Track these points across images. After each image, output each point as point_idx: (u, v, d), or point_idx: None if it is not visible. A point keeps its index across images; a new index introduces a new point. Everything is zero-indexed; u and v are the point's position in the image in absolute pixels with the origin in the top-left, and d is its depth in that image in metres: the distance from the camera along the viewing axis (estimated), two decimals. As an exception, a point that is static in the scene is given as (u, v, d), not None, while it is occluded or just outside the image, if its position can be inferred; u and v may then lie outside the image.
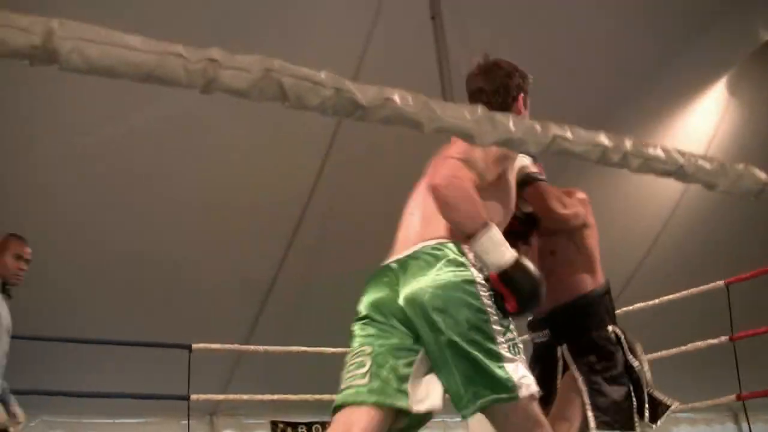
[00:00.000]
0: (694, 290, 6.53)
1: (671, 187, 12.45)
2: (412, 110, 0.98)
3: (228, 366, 10.73)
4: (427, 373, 2.73)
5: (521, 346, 2.71)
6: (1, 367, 5.32)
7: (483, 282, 2.67)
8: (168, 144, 8.71)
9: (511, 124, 0.96)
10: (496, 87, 3.10)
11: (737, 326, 6.12)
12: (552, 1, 8.90)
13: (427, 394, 2.72)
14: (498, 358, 2.59)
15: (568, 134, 0.99)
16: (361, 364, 2.74)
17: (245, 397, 8.08)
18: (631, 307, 6.88)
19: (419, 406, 2.71)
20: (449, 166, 2.68)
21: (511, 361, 2.61)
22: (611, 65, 9.68)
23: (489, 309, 2.64)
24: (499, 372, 2.58)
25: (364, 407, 2.66)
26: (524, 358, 2.70)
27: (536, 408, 2.68)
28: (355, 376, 2.74)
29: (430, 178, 2.79)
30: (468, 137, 0.97)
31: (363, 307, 2.95)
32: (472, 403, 2.63)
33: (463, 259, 2.70)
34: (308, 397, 7.17)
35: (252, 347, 8.27)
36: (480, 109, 0.99)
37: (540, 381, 2.83)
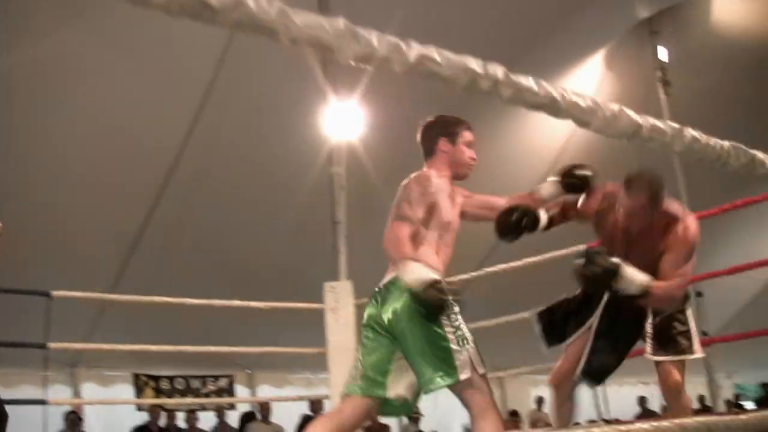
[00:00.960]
0: (557, 252, 6.59)
1: (549, 145, 12.67)
2: (267, 17, 0.89)
3: (91, 317, 10.49)
4: (404, 368, 3.69)
5: (469, 337, 3.57)
6: None
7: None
8: (40, 90, 8.43)
9: (374, 39, 0.88)
10: (421, 140, 4.08)
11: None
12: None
13: (400, 383, 3.72)
14: (449, 351, 3.54)
15: (436, 56, 0.91)
16: (357, 365, 3.75)
17: (106, 347, 7.85)
18: (496, 268, 6.92)
19: (391, 393, 3.72)
20: (395, 227, 3.71)
21: (458, 351, 3.52)
22: (487, 36, 9.74)
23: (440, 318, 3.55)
24: (449, 360, 3.53)
25: (355, 396, 3.69)
26: (473, 347, 3.57)
27: (482, 387, 3.56)
28: (353, 375, 3.74)
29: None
30: (327, 50, 0.89)
31: (365, 319, 3.89)
32: (432, 387, 3.56)
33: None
34: (170, 348, 7.00)
35: (114, 296, 8.02)
36: (342, 22, 0.91)
37: None
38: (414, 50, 0.89)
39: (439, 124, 4.03)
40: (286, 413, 12.51)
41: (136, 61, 8.80)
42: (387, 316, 3.68)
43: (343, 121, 7.83)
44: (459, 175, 4.00)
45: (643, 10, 11.31)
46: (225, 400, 13.49)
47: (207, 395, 13.52)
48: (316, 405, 11.91)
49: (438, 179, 3.86)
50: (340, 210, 7.22)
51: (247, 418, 12.50)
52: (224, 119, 9.55)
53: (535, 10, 9.61)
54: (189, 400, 13.04)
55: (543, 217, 4.13)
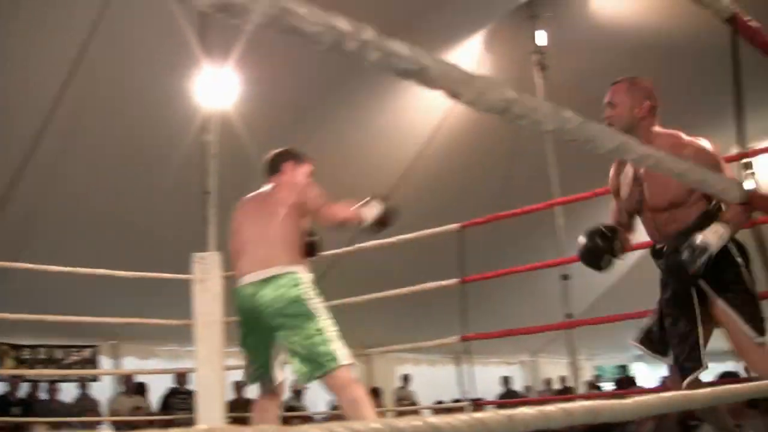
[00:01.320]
0: (430, 231, 6.59)
1: (419, 129, 12.72)
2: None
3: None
4: (282, 357, 4.42)
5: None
6: None
7: (310, 295, 4.30)
8: None
9: (233, -14, 0.80)
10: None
11: (468, 269, 6.26)
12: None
13: (280, 369, 4.48)
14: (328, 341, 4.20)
15: (300, 10, 0.84)
16: (247, 358, 4.49)
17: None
18: (367, 244, 6.90)
19: (278, 378, 4.51)
20: (335, 208, 4.50)
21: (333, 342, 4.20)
22: (359, 12, 9.66)
23: (316, 315, 4.24)
24: (323, 350, 4.18)
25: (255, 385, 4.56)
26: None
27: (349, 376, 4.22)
28: (247, 367, 4.52)
29: (330, 219, 4.51)
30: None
31: (238, 314, 4.50)
32: (309, 377, 4.26)
33: (299, 282, 4.33)
34: (30, 317, 6.74)
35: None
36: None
37: None
38: (277, 1, 0.82)
39: (288, 152, 4.88)
40: (152, 385, 12.34)
41: (6, 18, 8.47)
42: (265, 309, 4.31)
43: (217, 88, 7.65)
44: None
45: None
46: (88, 371, 13.17)
47: (70, 366, 13.18)
48: (181, 378, 11.76)
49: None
50: (210, 180, 7.07)
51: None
52: (97, 82, 9.28)
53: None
54: (50, 371, 12.68)
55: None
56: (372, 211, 4.61)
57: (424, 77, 0.99)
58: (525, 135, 12.43)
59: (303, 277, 4.35)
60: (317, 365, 4.17)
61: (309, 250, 4.69)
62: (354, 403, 4.12)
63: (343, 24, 0.88)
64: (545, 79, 11.73)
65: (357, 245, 7.38)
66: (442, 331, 6.82)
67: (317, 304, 4.27)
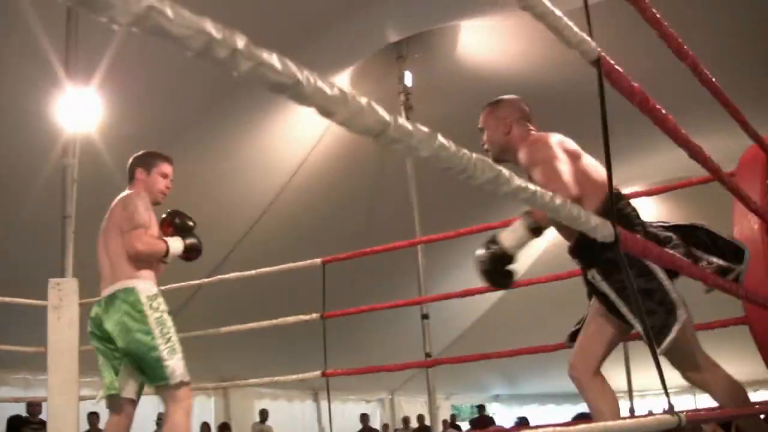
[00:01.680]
0: (292, 265, 6.54)
1: (285, 162, 12.68)
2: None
3: None
4: (130, 372, 4.56)
5: (178, 347, 4.43)
6: None
7: (151, 314, 4.43)
8: None
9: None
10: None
11: (329, 305, 6.22)
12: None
13: (129, 385, 4.59)
14: (160, 359, 4.36)
15: (168, 11, 0.78)
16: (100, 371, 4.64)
17: None
18: (228, 276, 6.79)
19: (126, 394, 4.61)
20: (135, 236, 4.56)
21: (170, 359, 4.36)
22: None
23: (154, 330, 4.39)
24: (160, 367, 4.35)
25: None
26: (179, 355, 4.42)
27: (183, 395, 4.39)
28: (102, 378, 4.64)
29: (127, 248, 4.59)
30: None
31: (89, 327, 4.70)
32: (152, 387, 4.45)
33: (140, 301, 4.47)
34: None
35: None
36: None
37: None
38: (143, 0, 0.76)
39: (139, 157, 4.98)
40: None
41: None
42: (109, 326, 4.49)
43: (79, 110, 7.41)
44: (154, 200, 4.84)
45: (392, 34, 11.53)
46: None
47: None
48: (33, 407, 11.37)
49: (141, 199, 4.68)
50: (70, 204, 6.82)
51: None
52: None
53: (282, 25, 9.57)
54: None
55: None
56: (176, 244, 4.75)
57: (298, 92, 0.94)
58: (389, 173, 12.52)
59: (141, 290, 4.51)
60: (152, 377, 4.43)
61: (187, 253, 4.86)
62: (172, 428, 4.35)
63: (213, 29, 0.83)
64: (410, 120, 11.83)
65: (218, 276, 7.24)
66: (302, 365, 6.74)
67: (157, 318, 4.44)
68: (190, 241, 4.79)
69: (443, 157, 1.23)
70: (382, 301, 6.83)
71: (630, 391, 11.47)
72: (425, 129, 1.20)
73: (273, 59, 0.92)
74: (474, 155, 1.31)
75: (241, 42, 0.88)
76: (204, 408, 16.09)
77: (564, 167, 3.43)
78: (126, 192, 4.85)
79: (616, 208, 3.38)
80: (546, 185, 2.79)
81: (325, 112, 1.01)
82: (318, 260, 6.31)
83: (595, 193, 3.43)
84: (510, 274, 3.41)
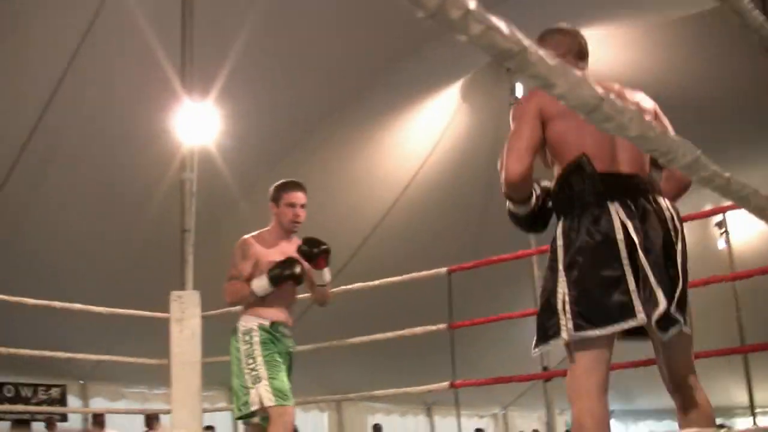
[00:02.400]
0: (417, 274, 6.45)
1: (402, 169, 12.71)
2: None
3: None
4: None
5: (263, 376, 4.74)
6: None
7: (241, 346, 4.85)
8: None
9: None
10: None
11: (437, 316, 6.15)
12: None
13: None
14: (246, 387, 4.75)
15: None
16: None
17: None
18: (351, 286, 6.74)
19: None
20: (225, 289, 4.99)
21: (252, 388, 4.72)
22: (346, 59, 9.72)
23: (242, 359, 4.80)
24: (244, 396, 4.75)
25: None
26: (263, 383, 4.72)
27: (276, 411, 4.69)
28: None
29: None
30: None
31: None
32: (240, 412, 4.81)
33: (236, 338, 4.90)
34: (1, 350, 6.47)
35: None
36: None
37: None
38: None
39: (271, 190, 5.09)
40: (120, 428, 12.09)
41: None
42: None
43: (197, 124, 7.48)
44: (287, 230, 5.06)
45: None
46: (56, 409, 12.97)
47: (38, 405, 12.92)
48: (151, 420, 11.51)
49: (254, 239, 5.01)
50: (189, 218, 6.90)
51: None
52: (74, 116, 9.18)
53: (393, 37, 9.58)
54: (19, 407, 12.38)
55: None
56: (260, 284, 4.85)
57: (523, 60, 0.88)
58: (499, 186, 12.39)
59: (240, 327, 4.92)
60: (237, 407, 4.83)
61: (279, 284, 4.91)
62: None
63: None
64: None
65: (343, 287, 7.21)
66: (416, 378, 6.68)
67: (246, 350, 4.82)
68: (274, 273, 4.85)
69: (650, 137, 1.16)
70: (496, 313, 6.68)
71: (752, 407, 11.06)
72: (633, 107, 1.13)
73: (501, 24, 0.86)
74: (678, 137, 1.24)
75: (472, 3, 0.82)
76: (317, 423, 16.20)
77: (527, 132, 3.06)
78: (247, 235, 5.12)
79: (567, 181, 3.04)
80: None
81: (547, 83, 0.95)
82: (443, 269, 6.21)
83: (565, 159, 3.06)
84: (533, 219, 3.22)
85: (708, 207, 6.43)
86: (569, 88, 0.97)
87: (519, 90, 11.92)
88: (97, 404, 13.39)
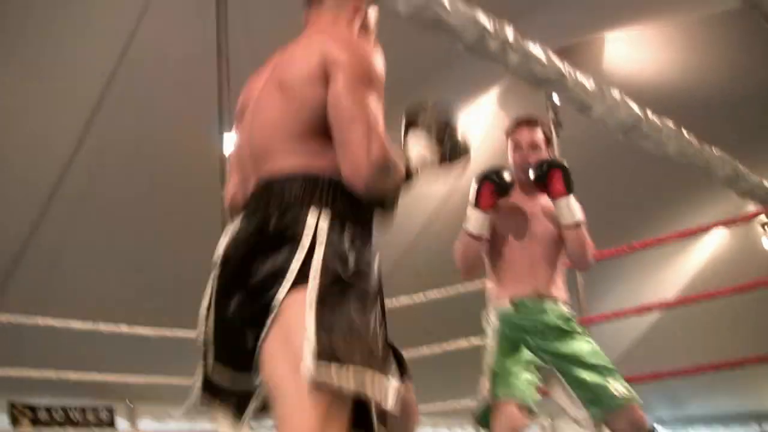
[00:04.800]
0: (460, 286, 6.45)
1: (435, 188, 12.69)
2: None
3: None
4: None
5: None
6: None
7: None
8: None
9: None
10: None
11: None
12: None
13: None
14: None
15: (446, 3, 0.75)
16: None
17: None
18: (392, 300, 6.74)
19: None
20: None
21: None
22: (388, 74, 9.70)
23: None
24: None
25: None
26: None
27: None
28: None
29: None
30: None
31: None
32: None
33: None
34: (51, 374, 6.57)
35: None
36: None
37: None
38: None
39: None
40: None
41: (26, 69, 8.43)
42: None
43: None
44: None
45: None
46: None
47: (88, 427, 13.01)
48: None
49: None
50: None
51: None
52: (116, 134, 9.16)
53: (430, 46, 9.60)
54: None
55: None
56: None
57: (561, 86, 0.89)
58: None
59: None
60: None
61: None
62: None
63: (486, 21, 0.79)
64: (559, 137, 11.72)
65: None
66: (459, 391, 6.66)
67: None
68: None
69: (688, 153, 1.17)
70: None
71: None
72: (671, 125, 1.14)
73: (538, 52, 0.88)
74: (715, 150, 1.25)
75: (510, 34, 0.84)
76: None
77: None
78: None
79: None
80: None
81: (583, 106, 0.97)
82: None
83: None
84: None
85: (751, 209, 6.40)
86: (607, 111, 0.98)
87: (555, 95, 11.90)
88: (146, 425, 13.46)
